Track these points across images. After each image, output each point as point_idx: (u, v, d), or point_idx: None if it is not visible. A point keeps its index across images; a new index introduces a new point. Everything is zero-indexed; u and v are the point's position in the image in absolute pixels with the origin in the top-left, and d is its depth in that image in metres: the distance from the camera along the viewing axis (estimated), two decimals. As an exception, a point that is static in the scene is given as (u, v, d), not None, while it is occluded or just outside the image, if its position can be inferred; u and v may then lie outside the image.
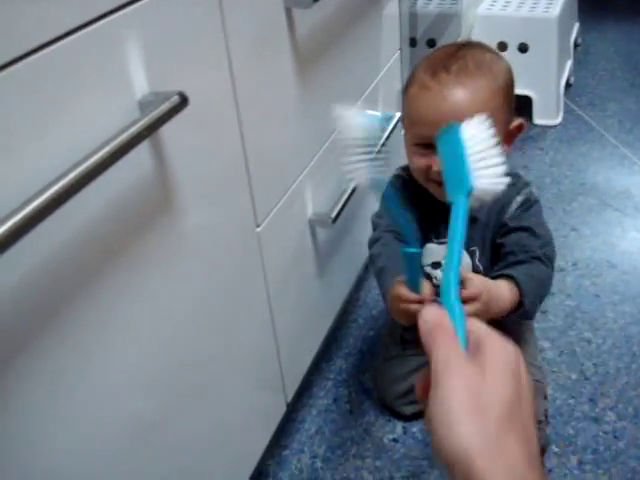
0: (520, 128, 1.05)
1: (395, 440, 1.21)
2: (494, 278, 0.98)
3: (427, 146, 0.99)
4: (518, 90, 2.07)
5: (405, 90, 1.04)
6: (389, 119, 1.12)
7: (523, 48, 2.06)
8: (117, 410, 0.68)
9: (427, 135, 0.96)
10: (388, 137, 1.22)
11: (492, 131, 0.70)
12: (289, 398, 1.11)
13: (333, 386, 1.33)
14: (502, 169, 0.68)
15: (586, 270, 1.55)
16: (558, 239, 1.63)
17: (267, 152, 0.90)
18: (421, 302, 0.83)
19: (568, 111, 2.21)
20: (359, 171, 0.72)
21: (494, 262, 1.06)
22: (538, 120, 2.16)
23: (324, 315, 1.21)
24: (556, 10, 2.05)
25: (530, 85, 2.12)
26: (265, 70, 0.86)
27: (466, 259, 1.08)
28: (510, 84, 1.03)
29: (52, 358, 0.57)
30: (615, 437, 1.16)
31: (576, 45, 2.57)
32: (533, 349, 1.16)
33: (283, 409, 1.11)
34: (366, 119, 0.73)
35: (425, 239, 1.11)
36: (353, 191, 1.11)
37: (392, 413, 1.25)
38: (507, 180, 0.67)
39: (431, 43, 1.69)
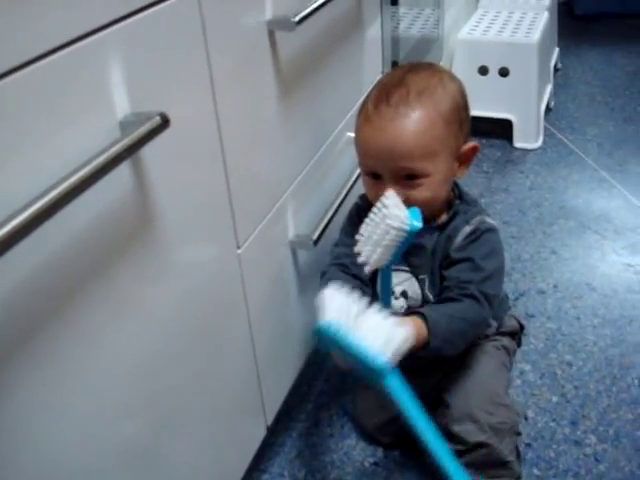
0: (474, 150, 1.04)
1: (376, 464, 1.20)
2: (411, 313, 0.97)
3: (375, 176, 0.99)
4: (499, 113, 2.13)
5: (357, 117, 1.03)
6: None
7: (504, 72, 2.08)
8: (94, 434, 0.67)
9: (372, 166, 0.99)
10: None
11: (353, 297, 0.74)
12: (269, 421, 1.10)
13: (314, 409, 1.32)
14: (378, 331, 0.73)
15: (566, 293, 1.55)
16: (538, 262, 1.65)
17: (249, 174, 0.89)
18: None
19: (548, 135, 2.23)
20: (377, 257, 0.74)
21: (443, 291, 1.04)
22: (518, 143, 2.18)
23: (305, 338, 1.20)
24: (536, 35, 2.08)
25: (510, 109, 2.14)
26: (248, 92, 0.86)
27: (415, 288, 1.06)
28: (459, 107, 1.01)
29: (27, 378, 0.56)
30: (596, 460, 1.16)
31: (556, 69, 2.60)
32: (500, 385, 1.10)
33: (263, 432, 1.10)
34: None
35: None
36: (335, 213, 1.11)
37: (372, 437, 1.24)
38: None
39: (413, 66, 1.71)
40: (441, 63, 2.00)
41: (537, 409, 1.27)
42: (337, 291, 0.78)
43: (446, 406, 1.06)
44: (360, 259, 0.77)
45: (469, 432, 1.02)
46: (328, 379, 1.38)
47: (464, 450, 1.02)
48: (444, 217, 1.05)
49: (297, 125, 1.02)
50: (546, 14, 2.28)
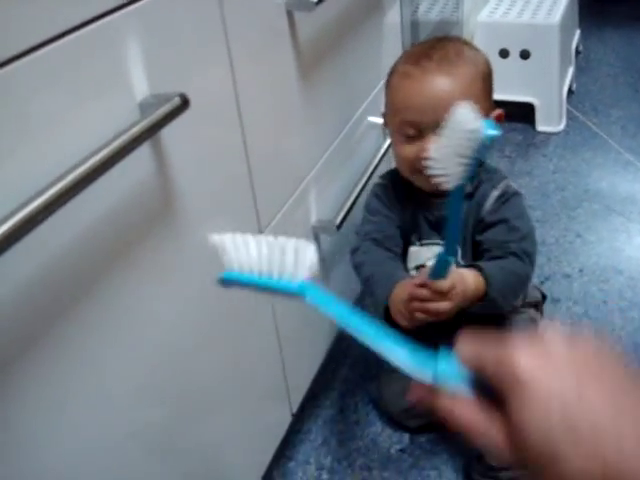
0: (500, 117, 1.07)
1: (402, 450, 1.19)
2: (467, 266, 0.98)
3: (413, 134, 1.00)
4: (520, 97, 2.10)
5: (387, 82, 1.06)
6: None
7: (525, 55, 2.05)
8: (122, 420, 0.66)
9: (412, 119, 0.99)
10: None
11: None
12: (294, 409, 1.10)
13: (339, 396, 1.31)
14: None
15: (592, 276, 1.53)
16: (564, 245, 1.62)
17: (270, 156, 0.88)
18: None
19: (571, 117, 2.20)
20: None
21: (476, 259, 1.05)
22: (541, 127, 2.15)
23: (329, 324, 1.20)
24: (557, 16, 2.04)
25: (532, 92, 2.11)
26: (267, 73, 0.85)
27: None
28: (489, 73, 1.05)
29: (53, 366, 0.56)
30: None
31: (577, 52, 2.56)
32: None
33: (288, 420, 1.09)
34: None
35: (407, 243, 1.11)
36: (357, 196, 1.10)
37: (398, 424, 1.23)
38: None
39: (432, 50, 1.69)
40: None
41: (565, 393, 1.25)
42: (224, 236, 0.74)
43: None
44: (436, 178, 0.75)
45: None
46: (352, 366, 1.37)
47: None
48: (469, 186, 1.04)
49: (317, 108, 1.01)
50: (567, -5, 2.24)
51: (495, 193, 1.04)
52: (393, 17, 1.33)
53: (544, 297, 1.23)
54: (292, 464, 1.19)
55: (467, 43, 1.07)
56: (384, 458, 1.18)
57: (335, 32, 1.03)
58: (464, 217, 1.04)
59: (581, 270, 1.55)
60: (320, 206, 1.06)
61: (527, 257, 1.01)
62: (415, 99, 0.98)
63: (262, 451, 1.02)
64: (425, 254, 1.08)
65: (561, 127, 2.15)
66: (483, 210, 1.04)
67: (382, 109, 1.10)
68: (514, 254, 1.00)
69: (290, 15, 0.86)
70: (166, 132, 0.61)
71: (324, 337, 1.19)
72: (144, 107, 0.60)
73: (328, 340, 1.20)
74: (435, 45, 1.03)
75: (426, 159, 0.92)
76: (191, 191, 0.71)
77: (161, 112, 0.58)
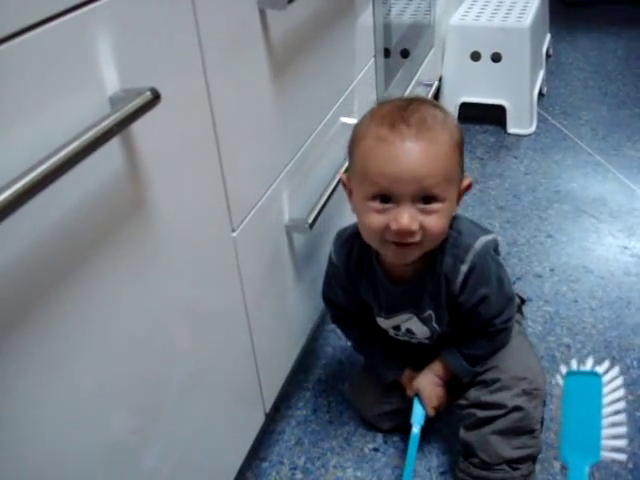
0: (469, 187, 0.99)
1: (376, 450, 1.19)
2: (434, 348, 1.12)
3: (384, 201, 0.91)
4: (492, 99, 2.12)
5: (354, 145, 0.95)
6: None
7: (496, 58, 2.07)
8: (89, 420, 0.66)
9: (386, 187, 0.90)
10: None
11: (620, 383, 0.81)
12: (267, 409, 1.09)
13: (312, 396, 1.31)
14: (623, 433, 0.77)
15: (563, 276, 1.55)
16: (535, 246, 1.64)
17: (242, 154, 0.88)
18: None
19: (542, 120, 2.22)
20: None
21: (453, 322, 1.06)
22: (512, 129, 2.17)
23: (302, 324, 1.20)
24: (528, 20, 2.07)
25: (503, 94, 2.13)
26: (239, 70, 0.84)
27: (419, 325, 1.08)
28: (462, 141, 0.96)
29: (17, 366, 0.55)
30: (597, 441, 1.15)
31: (548, 55, 2.59)
32: (529, 352, 1.12)
33: (261, 420, 1.09)
34: None
35: (372, 311, 1.12)
36: (330, 196, 1.10)
37: (372, 425, 1.23)
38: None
39: (405, 54, 1.70)
40: (433, 49, 2.00)
41: (537, 392, 1.26)
42: None
43: (481, 381, 1.07)
44: None
45: (505, 398, 1.03)
46: (326, 366, 1.37)
47: (499, 415, 1.02)
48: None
49: (290, 107, 1.01)
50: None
51: (463, 268, 0.98)
52: (366, 19, 1.33)
53: (523, 301, 1.22)
54: (266, 464, 1.18)
55: (437, 105, 0.98)
56: (358, 458, 1.18)
57: (308, 33, 1.03)
58: (433, 289, 1.02)
59: (552, 270, 1.57)
60: (293, 205, 1.06)
61: (510, 321, 1.06)
62: (392, 168, 0.88)
63: (235, 452, 1.01)
64: (396, 321, 1.09)
65: (532, 129, 2.17)
66: (455, 285, 0.99)
67: (341, 171, 1.04)
68: (498, 331, 1.05)
69: (262, 13, 0.86)
70: (137, 128, 0.61)
71: (297, 337, 1.18)
72: (115, 101, 0.59)
73: (301, 340, 1.20)
74: (407, 107, 0.92)
75: (397, 230, 0.90)
76: (162, 188, 0.70)
77: (132, 106, 0.57)
